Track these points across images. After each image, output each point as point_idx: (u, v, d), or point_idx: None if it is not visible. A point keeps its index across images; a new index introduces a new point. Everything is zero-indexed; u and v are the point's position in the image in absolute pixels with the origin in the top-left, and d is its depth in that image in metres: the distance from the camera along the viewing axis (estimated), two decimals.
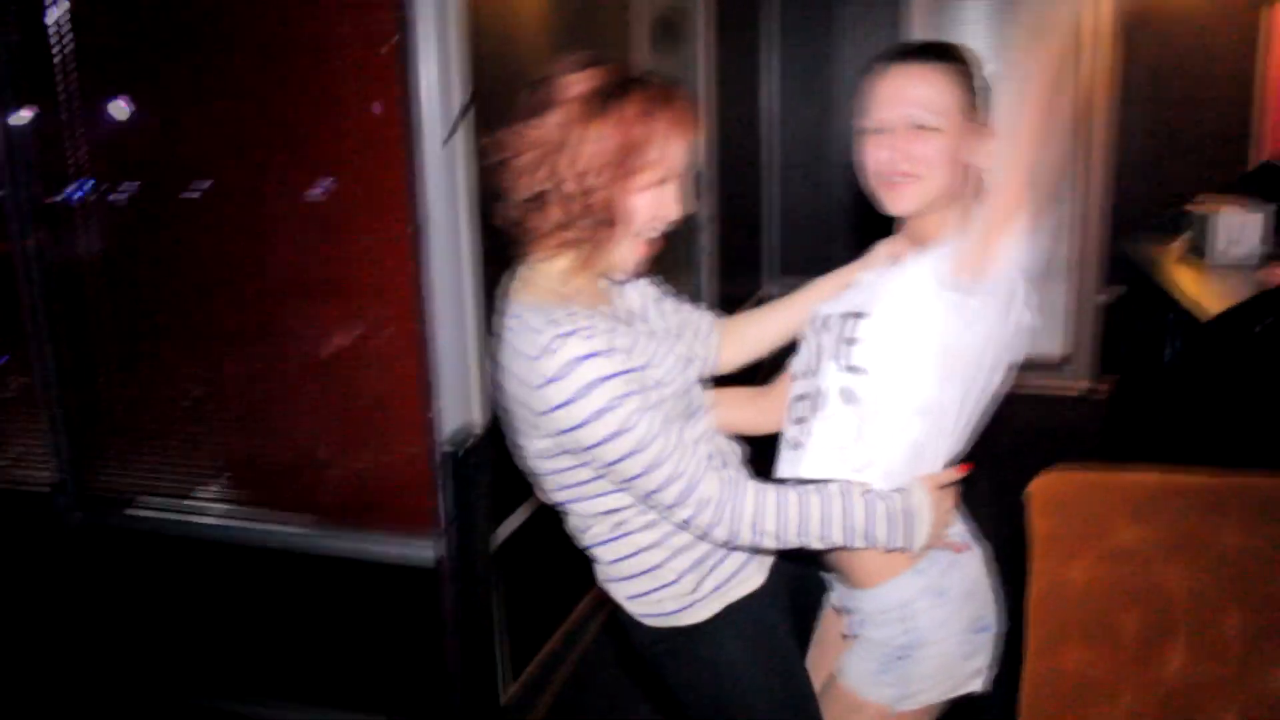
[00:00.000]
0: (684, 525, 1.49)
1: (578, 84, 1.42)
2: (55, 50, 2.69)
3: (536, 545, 2.89)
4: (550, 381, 1.39)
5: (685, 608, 1.60)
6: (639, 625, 1.64)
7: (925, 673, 1.56)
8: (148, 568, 2.95)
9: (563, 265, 1.51)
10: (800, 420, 1.61)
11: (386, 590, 2.69)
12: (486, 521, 2.62)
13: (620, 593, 1.64)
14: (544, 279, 1.52)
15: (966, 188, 1.55)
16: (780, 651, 1.66)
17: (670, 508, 1.46)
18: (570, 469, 1.52)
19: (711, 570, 1.60)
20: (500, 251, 2.45)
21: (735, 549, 1.61)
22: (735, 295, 5.04)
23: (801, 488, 1.49)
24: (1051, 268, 5.60)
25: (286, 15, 2.50)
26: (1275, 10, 5.03)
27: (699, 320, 1.78)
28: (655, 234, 1.50)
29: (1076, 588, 1.75)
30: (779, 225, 5.91)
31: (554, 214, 1.44)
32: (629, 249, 1.49)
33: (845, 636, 1.68)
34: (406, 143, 2.40)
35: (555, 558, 2.94)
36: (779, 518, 1.46)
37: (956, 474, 1.55)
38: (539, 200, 1.45)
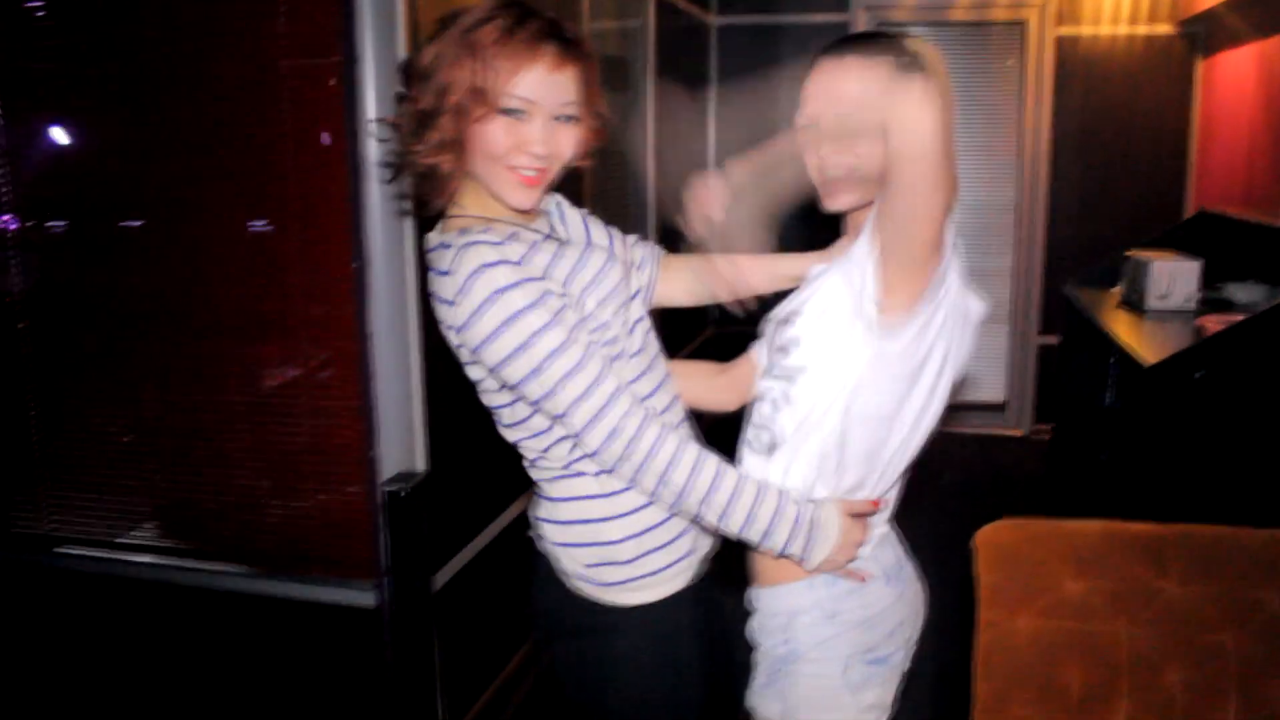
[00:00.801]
0: (594, 456, 1.43)
1: (469, 12, 1.40)
2: None
3: (475, 592, 2.84)
4: (456, 296, 1.37)
5: (615, 586, 1.54)
6: (570, 599, 1.58)
7: (804, 694, 1.53)
8: (76, 612, 2.85)
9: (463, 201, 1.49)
10: (751, 421, 1.60)
11: (325, 634, 2.62)
12: (428, 566, 2.57)
13: (564, 559, 1.57)
14: (458, 209, 1.50)
15: None
16: (681, 671, 1.60)
17: (580, 434, 1.41)
18: (509, 403, 1.50)
19: (658, 548, 1.54)
20: None
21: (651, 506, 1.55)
22: (679, 335, 5.03)
23: (724, 464, 1.46)
24: (992, 313, 5.67)
25: (230, 49, 2.46)
26: (1208, 62, 5.17)
27: (637, 250, 1.73)
28: (530, 169, 1.44)
29: (1023, 640, 1.74)
30: None
31: (408, 140, 1.43)
32: (498, 181, 1.45)
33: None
34: (351, 179, 2.37)
35: (494, 605, 2.91)
36: (691, 476, 1.42)
37: (869, 506, 1.51)
38: (409, 122, 1.43)
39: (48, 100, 2.66)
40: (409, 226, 2.44)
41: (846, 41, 1.51)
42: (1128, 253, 4.05)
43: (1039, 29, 5.41)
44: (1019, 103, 5.52)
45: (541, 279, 1.39)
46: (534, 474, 1.60)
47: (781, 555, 1.47)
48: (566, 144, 1.45)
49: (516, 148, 1.41)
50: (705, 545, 1.64)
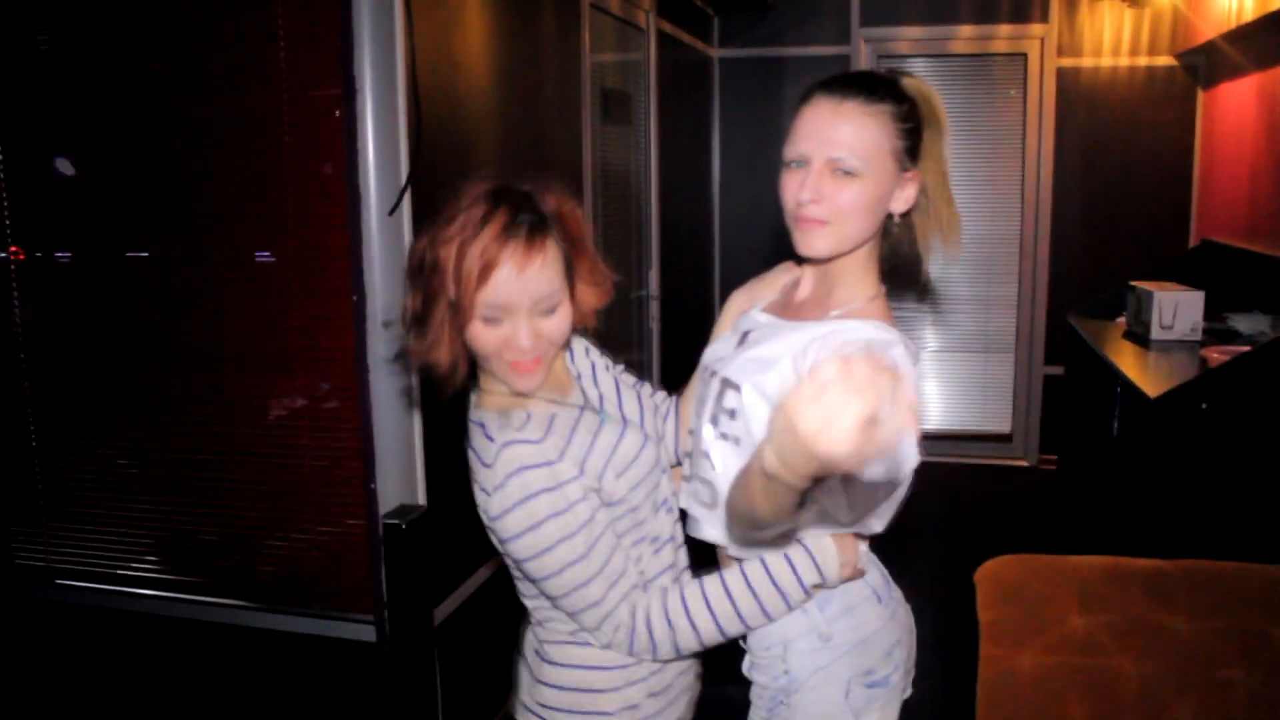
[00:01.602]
0: (601, 643, 1.48)
1: (446, 210, 1.40)
2: None
3: (475, 627, 2.82)
4: (494, 490, 1.40)
5: None
6: None
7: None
8: (77, 644, 2.84)
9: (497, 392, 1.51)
10: (688, 479, 1.59)
11: (325, 669, 2.61)
12: (428, 600, 2.55)
13: (546, 714, 1.57)
14: (491, 384, 1.51)
15: (879, 233, 1.51)
16: None
17: (591, 630, 1.47)
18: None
19: (644, 700, 1.55)
20: None
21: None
22: (684, 371, 5.01)
23: (711, 580, 1.47)
24: (997, 343, 5.67)
25: (231, 82, 2.47)
26: (1209, 93, 5.18)
27: (656, 400, 1.75)
28: (524, 359, 1.43)
29: (1026, 676, 1.72)
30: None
31: (418, 339, 1.43)
32: (501, 373, 1.45)
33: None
34: (351, 212, 2.37)
35: (494, 640, 2.88)
36: (695, 633, 1.45)
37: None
38: (410, 327, 1.45)
39: (49, 132, 2.67)
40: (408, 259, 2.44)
41: (848, 81, 1.46)
42: (1132, 283, 4.04)
43: (1040, 61, 5.43)
44: (1021, 134, 5.54)
45: (577, 477, 1.42)
46: (538, 634, 1.60)
47: (809, 593, 1.47)
48: (554, 330, 1.43)
49: (503, 346, 1.41)
50: (694, 688, 1.66)
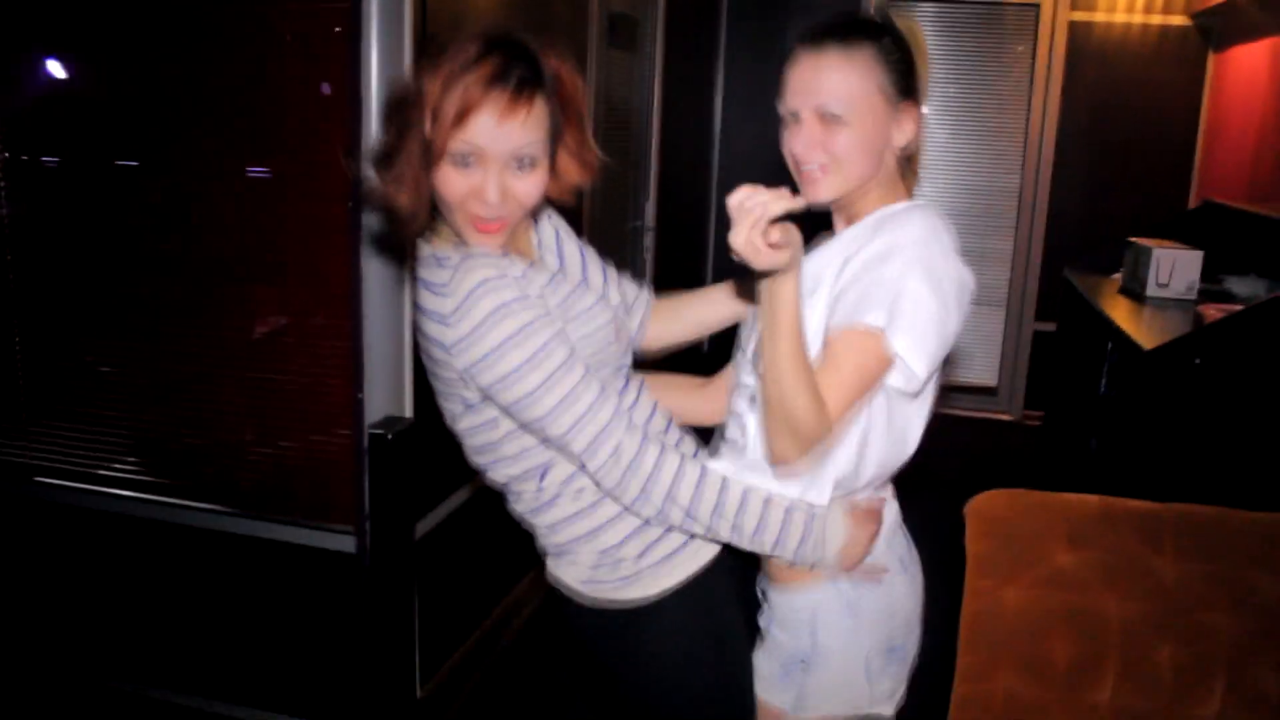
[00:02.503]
0: (597, 481, 1.39)
1: (435, 48, 1.34)
2: None
3: (456, 544, 2.81)
4: (454, 313, 1.32)
5: (628, 579, 1.49)
6: (578, 608, 1.53)
7: (825, 685, 1.51)
8: (53, 542, 2.83)
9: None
10: (737, 414, 1.55)
11: (305, 578, 2.61)
12: (411, 513, 2.54)
13: (561, 567, 1.54)
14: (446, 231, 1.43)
15: (892, 165, 1.50)
16: (725, 643, 1.56)
17: (580, 457, 1.37)
18: (481, 426, 1.45)
19: (659, 539, 1.49)
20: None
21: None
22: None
23: (729, 477, 1.42)
24: (988, 297, 5.66)
25: None
26: (1220, 55, 5.13)
27: (629, 291, 1.68)
28: (487, 217, 1.36)
29: (1010, 611, 1.72)
30: (724, 236, 5.86)
31: (384, 176, 1.36)
32: (459, 224, 1.38)
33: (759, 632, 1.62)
34: (351, 123, 2.32)
35: (474, 557, 2.88)
36: (697, 494, 1.38)
37: (877, 503, 1.49)
38: (379, 162, 1.36)
39: (41, 35, 2.61)
40: None
41: (826, 30, 1.47)
42: (1130, 239, 4.02)
43: (1052, 13, 5.36)
44: (1028, 87, 5.48)
45: (540, 297, 1.36)
46: (516, 508, 1.55)
47: (793, 563, 1.44)
48: (526, 192, 1.37)
49: (470, 195, 1.34)
50: None
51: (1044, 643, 1.71)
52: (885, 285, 1.35)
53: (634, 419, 1.43)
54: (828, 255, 1.46)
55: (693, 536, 1.51)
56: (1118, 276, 4.17)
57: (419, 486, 2.58)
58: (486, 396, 1.38)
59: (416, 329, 1.43)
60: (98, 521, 2.75)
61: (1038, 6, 5.39)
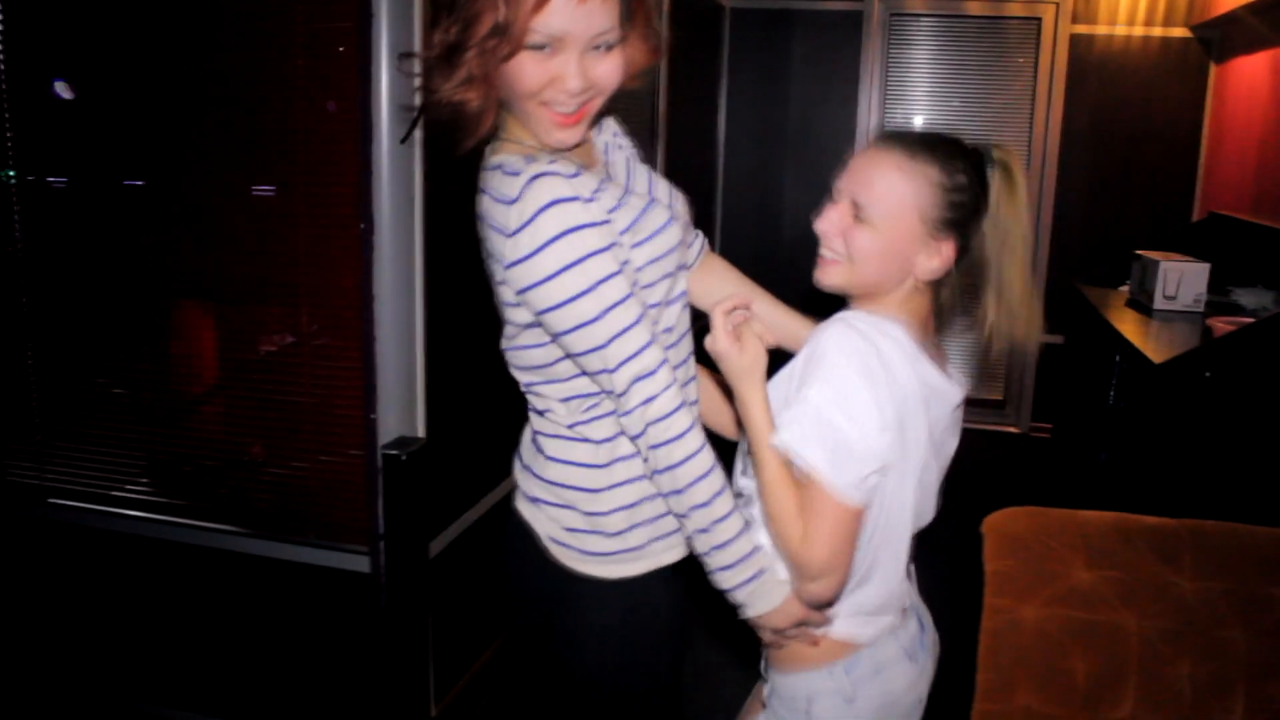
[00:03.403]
0: (624, 417, 1.35)
1: None
2: None
3: (469, 561, 2.82)
4: (519, 229, 1.29)
5: (602, 554, 1.47)
6: (545, 565, 1.50)
7: None
8: (68, 564, 2.83)
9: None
10: (746, 473, 1.54)
11: (318, 598, 2.61)
12: (425, 532, 2.54)
13: (536, 515, 1.51)
14: (511, 139, 1.39)
15: (910, 289, 1.47)
16: (659, 643, 1.54)
17: (620, 393, 1.33)
18: (538, 346, 1.41)
19: (647, 521, 1.48)
20: (451, 253, 2.41)
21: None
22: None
23: (727, 480, 1.40)
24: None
25: (245, 7, 2.43)
26: (1221, 67, 5.14)
27: (685, 212, 1.64)
28: (566, 106, 1.33)
29: (1029, 628, 1.72)
30: (725, 256, 5.85)
31: (448, 77, 1.31)
32: (534, 120, 1.34)
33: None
34: (361, 141, 2.33)
35: (487, 575, 2.88)
36: (701, 476, 1.35)
37: (818, 617, 1.44)
38: (438, 65, 1.31)
39: (52, 54, 2.63)
40: (418, 189, 2.41)
41: (900, 135, 1.45)
42: (1137, 252, 4.03)
43: (1054, 26, 5.38)
44: (1031, 99, 5.49)
45: (608, 223, 1.32)
46: (536, 425, 1.52)
47: (723, 592, 1.43)
48: (606, 74, 1.32)
49: (550, 84, 1.30)
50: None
51: (1063, 660, 1.72)
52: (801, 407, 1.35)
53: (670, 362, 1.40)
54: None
55: (673, 531, 1.49)
56: (1125, 289, 4.18)
57: (432, 506, 2.58)
58: (536, 321, 1.36)
59: (479, 239, 1.40)
60: (111, 542, 2.75)
61: (1039, 20, 5.41)
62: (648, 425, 1.33)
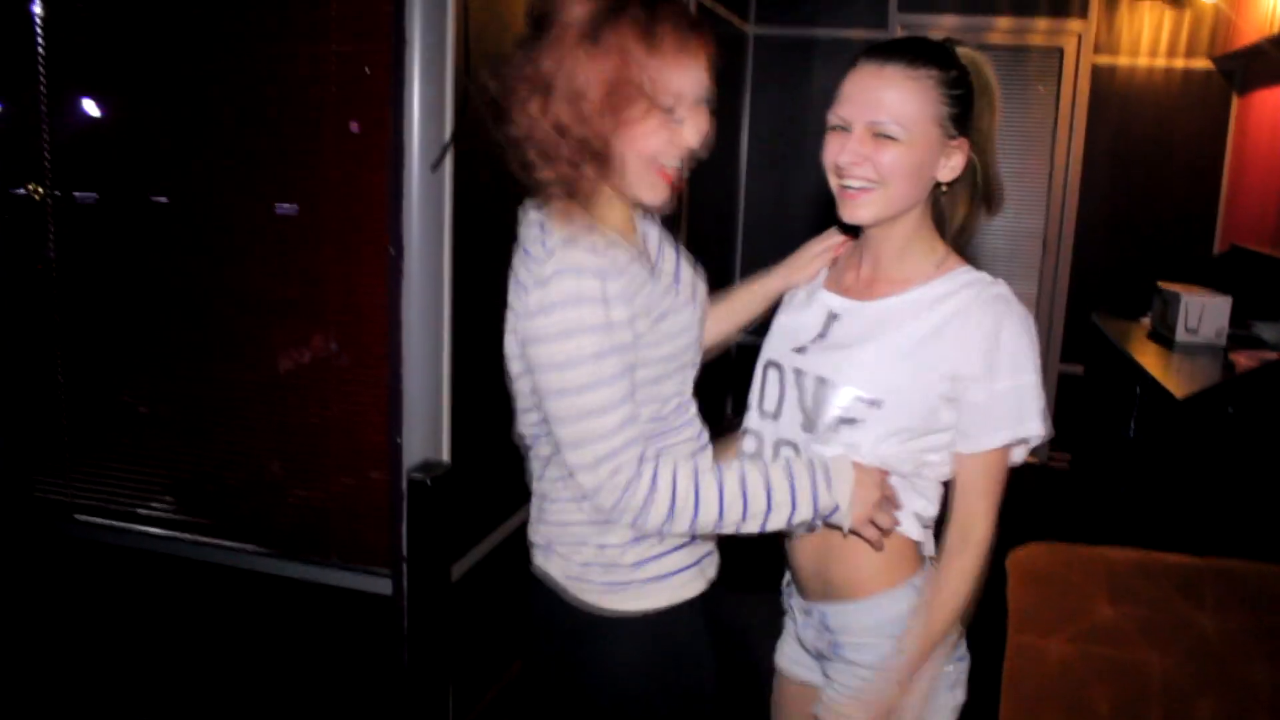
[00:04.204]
0: (591, 494, 1.37)
1: (572, 8, 1.32)
2: (33, 45, 2.64)
3: (490, 585, 2.83)
4: (537, 285, 1.33)
5: (617, 585, 1.47)
6: (552, 601, 1.51)
7: (912, 701, 1.47)
8: (93, 579, 2.85)
9: (576, 205, 1.41)
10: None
11: (340, 619, 2.62)
12: (448, 555, 2.56)
13: (550, 561, 1.53)
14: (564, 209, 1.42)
15: (926, 200, 1.50)
16: (689, 677, 1.54)
17: (584, 470, 1.36)
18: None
19: (658, 556, 1.48)
20: (478, 280, 2.43)
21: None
22: None
23: (723, 470, 1.40)
24: None
25: (279, 29, 2.47)
26: (1244, 99, 5.15)
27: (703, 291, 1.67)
28: (674, 164, 1.40)
29: (1052, 662, 1.73)
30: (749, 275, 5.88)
31: (556, 152, 1.34)
32: (642, 182, 1.40)
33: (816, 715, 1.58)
34: (393, 167, 2.36)
35: (508, 599, 2.89)
36: (695, 506, 1.36)
37: (879, 472, 1.45)
38: (527, 140, 1.35)
39: (91, 71, 2.66)
40: (448, 216, 2.44)
41: (893, 46, 1.46)
42: (1159, 284, 4.04)
43: (1075, 57, 5.40)
44: (1053, 129, 5.51)
45: (625, 301, 1.35)
46: (546, 470, 1.53)
47: (814, 522, 1.43)
48: (702, 135, 1.39)
49: (670, 145, 1.37)
50: (710, 568, 1.58)
51: (1086, 695, 1.72)
52: (1012, 397, 1.43)
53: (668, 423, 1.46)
54: (885, 321, 1.49)
55: (690, 564, 1.51)
56: (1146, 321, 4.18)
57: (455, 530, 2.60)
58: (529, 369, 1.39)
59: (507, 287, 1.44)
60: (135, 560, 2.77)
61: (1061, 50, 5.44)
62: (625, 503, 1.35)
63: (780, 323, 1.65)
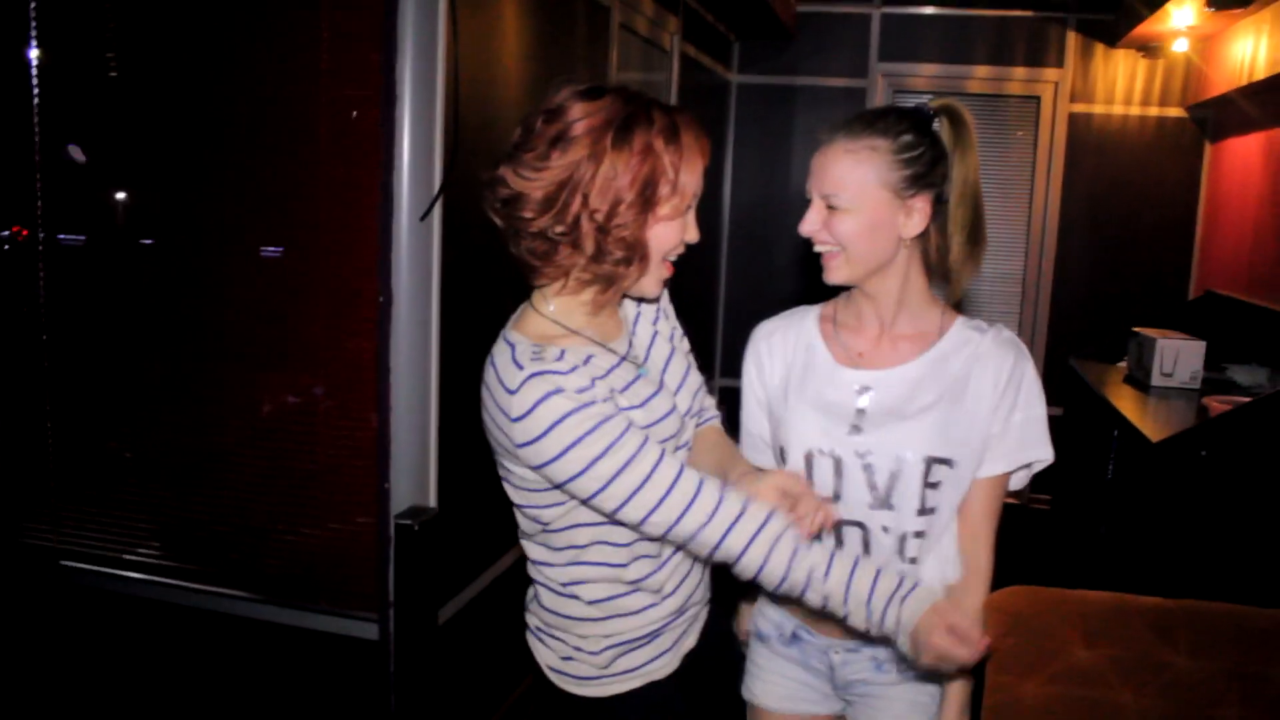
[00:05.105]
0: (663, 536, 1.43)
1: (591, 115, 1.40)
2: (29, 90, 2.67)
3: (476, 629, 2.85)
4: (519, 420, 1.38)
5: (593, 678, 1.59)
6: (553, 691, 1.63)
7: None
8: (79, 626, 2.85)
9: (584, 298, 1.50)
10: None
11: (327, 665, 2.63)
12: (435, 600, 2.58)
13: (539, 648, 1.65)
14: (548, 311, 1.51)
15: (914, 255, 1.60)
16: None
17: (644, 521, 1.41)
18: (543, 506, 1.52)
19: (627, 651, 1.59)
20: (465, 328, 2.47)
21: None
22: None
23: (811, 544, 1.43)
24: None
25: (269, 75, 2.51)
26: (1216, 147, 5.26)
27: (703, 395, 1.74)
28: (676, 257, 1.53)
29: (1029, 704, 1.76)
30: (729, 325, 5.95)
31: (583, 249, 1.43)
32: (654, 275, 1.51)
33: None
34: (382, 214, 2.41)
35: (494, 642, 2.91)
36: (776, 549, 1.41)
37: (975, 637, 1.40)
38: (563, 236, 1.42)
39: (81, 114, 2.70)
40: (436, 265, 2.48)
41: (844, 123, 1.57)
42: (1135, 329, 4.11)
43: (1052, 105, 5.51)
44: (1030, 176, 5.61)
45: (606, 399, 1.42)
46: (535, 576, 1.65)
47: (867, 625, 1.44)
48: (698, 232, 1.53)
49: (680, 240, 1.50)
50: (688, 640, 1.68)
51: None
52: (1026, 427, 1.59)
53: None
54: (919, 380, 1.60)
55: (657, 657, 1.61)
56: (1123, 365, 4.24)
57: (442, 574, 2.62)
58: (567, 491, 1.45)
59: (484, 409, 1.50)
60: (123, 606, 2.77)
61: (1038, 98, 5.55)
62: (699, 501, 1.40)
63: (801, 412, 1.66)
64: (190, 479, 2.71)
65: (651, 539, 1.49)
